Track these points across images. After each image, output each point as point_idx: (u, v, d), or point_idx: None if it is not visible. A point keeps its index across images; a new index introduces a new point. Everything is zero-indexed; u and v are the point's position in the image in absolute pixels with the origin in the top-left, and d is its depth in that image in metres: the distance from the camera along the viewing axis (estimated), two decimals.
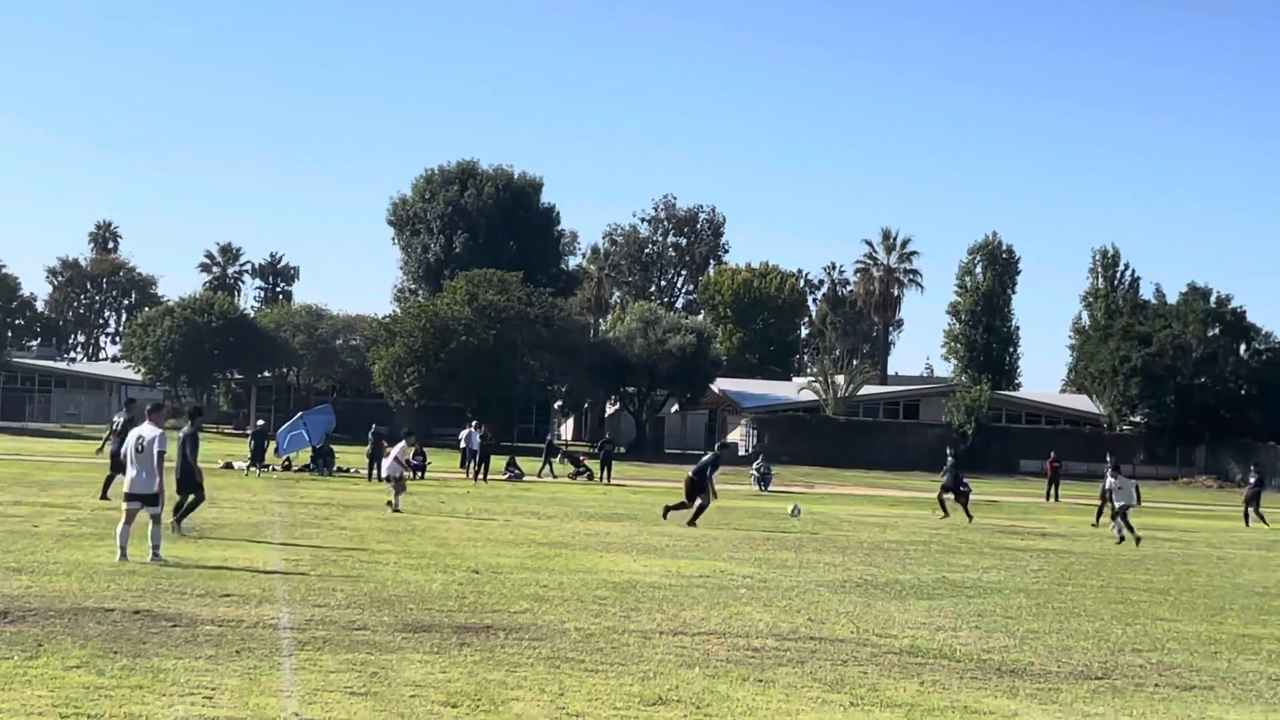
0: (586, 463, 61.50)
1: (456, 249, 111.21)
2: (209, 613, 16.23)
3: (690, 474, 35.39)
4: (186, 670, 12.79)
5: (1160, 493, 76.25)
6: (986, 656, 15.94)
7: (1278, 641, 18.26)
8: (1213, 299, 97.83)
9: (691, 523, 33.86)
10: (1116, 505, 36.82)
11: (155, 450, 21.25)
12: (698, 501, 34.41)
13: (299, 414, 56.90)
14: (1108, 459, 44.71)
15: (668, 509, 35.30)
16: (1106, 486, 40.36)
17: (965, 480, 43.66)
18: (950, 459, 44.66)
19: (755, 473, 60.21)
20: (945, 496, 43.10)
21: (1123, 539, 35.29)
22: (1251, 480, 48.64)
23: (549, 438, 68.23)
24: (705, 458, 36.00)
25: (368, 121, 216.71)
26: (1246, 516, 46.48)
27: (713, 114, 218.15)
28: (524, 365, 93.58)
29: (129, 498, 21.52)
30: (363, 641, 14.88)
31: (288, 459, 54.54)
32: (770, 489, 58.21)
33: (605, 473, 59.07)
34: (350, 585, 19.55)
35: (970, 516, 41.35)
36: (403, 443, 38.32)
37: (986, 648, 16.60)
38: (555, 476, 59.81)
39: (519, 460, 60.78)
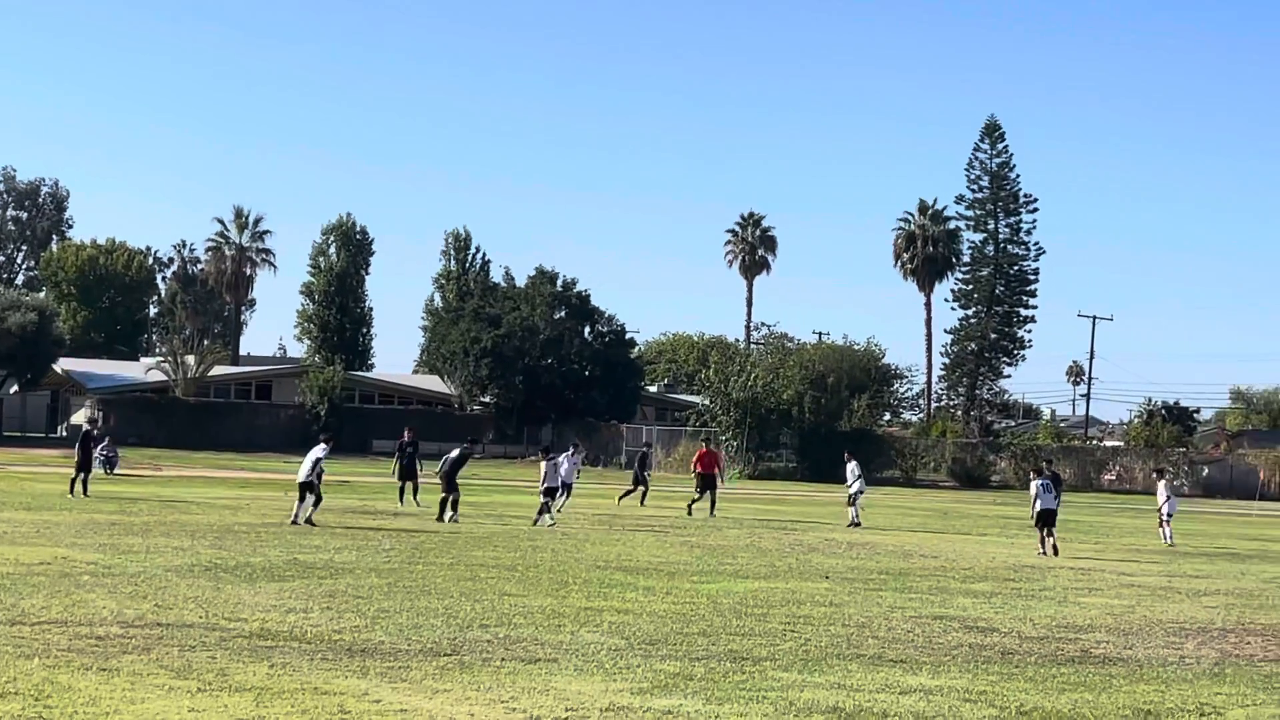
0: None
1: None
2: None
3: (445, 470, 36.18)
4: None
5: (509, 470, 78.37)
6: (338, 637, 15.94)
7: (617, 613, 19.02)
8: (559, 282, 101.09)
9: (440, 518, 35.26)
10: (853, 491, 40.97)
11: None
12: (450, 495, 35.82)
13: None
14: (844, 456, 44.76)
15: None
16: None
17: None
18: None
19: (100, 455, 58.23)
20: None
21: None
22: (637, 460, 49.35)
23: None
24: (454, 454, 36.70)
25: None
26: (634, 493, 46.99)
27: (54, 83, 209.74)
28: None
29: None
30: None
31: None
32: (117, 472, 56.49)
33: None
34: None
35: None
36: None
37: (338, 628, 16.60)
38: None
39: None
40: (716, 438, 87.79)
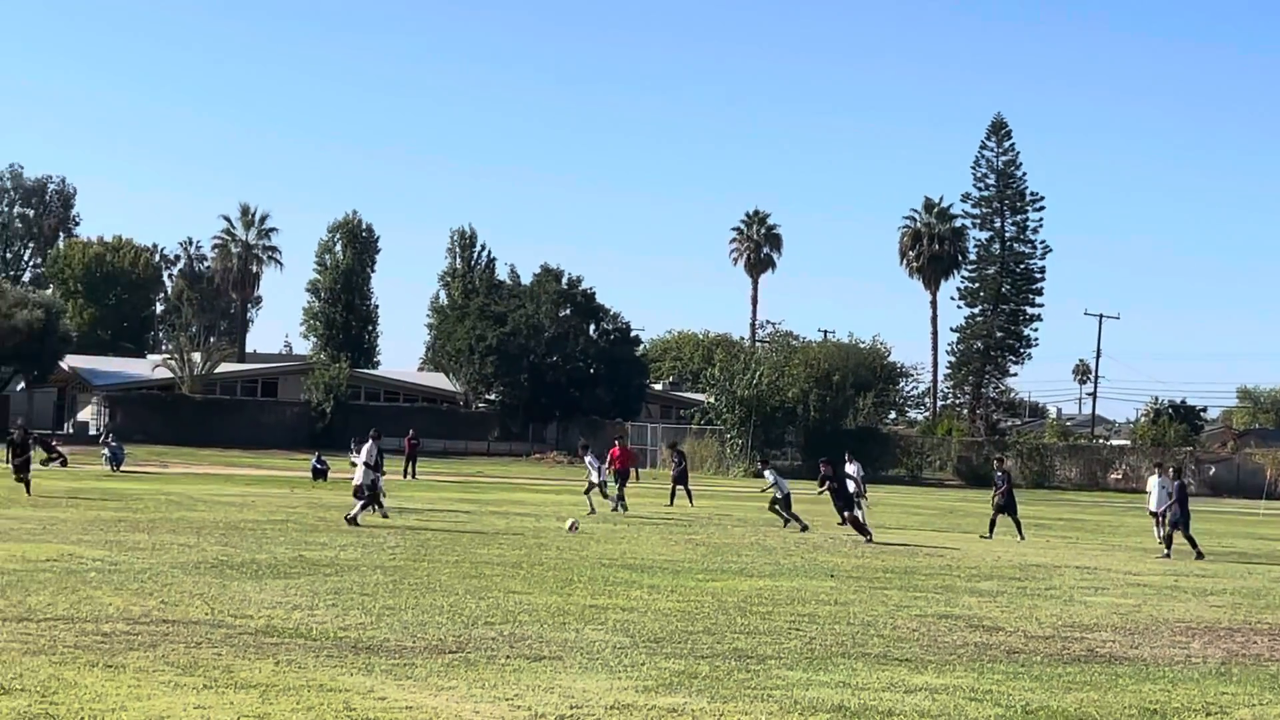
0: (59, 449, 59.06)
1: None
2: None
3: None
4: None
5: (514, 468, 78.46)
6: (343, 634, 15.93)
7: (622, 611, 19.00)
8: (564, 280, 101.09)
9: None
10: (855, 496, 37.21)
11: None
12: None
13: None
14: (846, 457, 41.49)
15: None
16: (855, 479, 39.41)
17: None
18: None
19: (106, 451, 58.34)
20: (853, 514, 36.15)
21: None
22: (675, 459, 49.31)
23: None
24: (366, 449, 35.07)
25: None
26: (674, 494, 46.85)
27: (62, 79, 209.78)
28: None
29: None
30: None
31: None
32: (123, 469, 56.54)
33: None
34: None
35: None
36: (370, 444, 33.19)
37: (343, 625, 16.59)
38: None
39: None
40: (722, 435, 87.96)
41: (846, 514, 34.66)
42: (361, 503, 32.40)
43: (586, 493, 41.12)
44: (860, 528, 34.12)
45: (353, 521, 31.77)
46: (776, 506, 37.97)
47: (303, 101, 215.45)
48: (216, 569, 22.06)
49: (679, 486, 47.35)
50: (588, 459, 42.29)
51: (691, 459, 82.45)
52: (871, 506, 42.68)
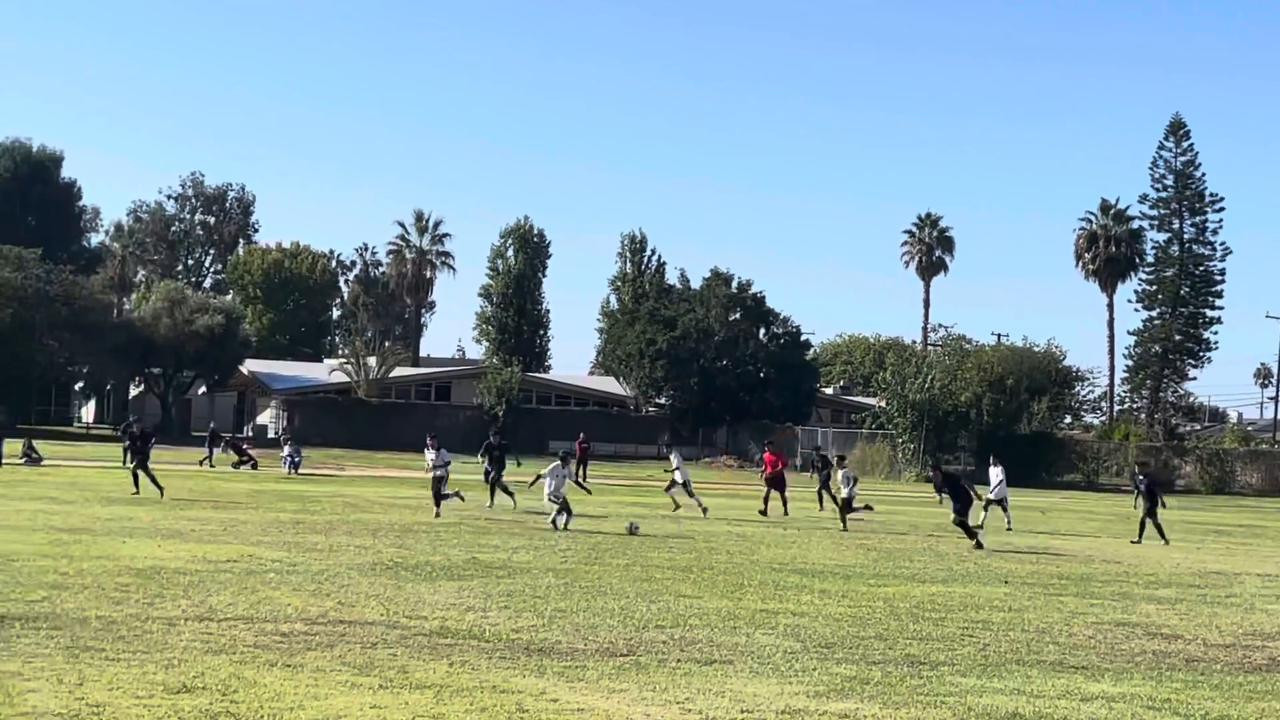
0: (250, 451, 61.10)
1: None
2: None
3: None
4: None
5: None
6: (515, 636, 16.06)
7: (793, 615, 18.94)
8: (734, 284, 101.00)
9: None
10: (992, 496, 39.21)
11: None
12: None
13: None
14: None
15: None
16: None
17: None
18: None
19: (285, 455, 59.31)
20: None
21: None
22: (816, 464, 48.91)
23: (211, 426, 66.10)
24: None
25: None
26: (821, 498, 45.73)
27: (241, 89, 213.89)
28: (42, 346, 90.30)
29: None
30: None
31: None
32: (301, 472, 57.45)
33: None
34: None
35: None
36: (557, 463, 33.94)
37: (515, 627, 16.72)
38: (213, 465, 58.10)
39: (36, 443, 58.34)
40: (893, 440, 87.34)
41: (958, 517, 33.63)
42: (557, 507, 32.74)
43: (667, 489, 42.08)
44: (969, 531, 33.27)
45: (553, 523, 32.29)
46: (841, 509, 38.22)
47: (476, 108, 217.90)
48: (391, 571, 22.35)
49: (823, 491, 46.25)
50: (673, 457, 43.01)
51: (862, 464, 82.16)
52: (1045, 512, 42.12)
